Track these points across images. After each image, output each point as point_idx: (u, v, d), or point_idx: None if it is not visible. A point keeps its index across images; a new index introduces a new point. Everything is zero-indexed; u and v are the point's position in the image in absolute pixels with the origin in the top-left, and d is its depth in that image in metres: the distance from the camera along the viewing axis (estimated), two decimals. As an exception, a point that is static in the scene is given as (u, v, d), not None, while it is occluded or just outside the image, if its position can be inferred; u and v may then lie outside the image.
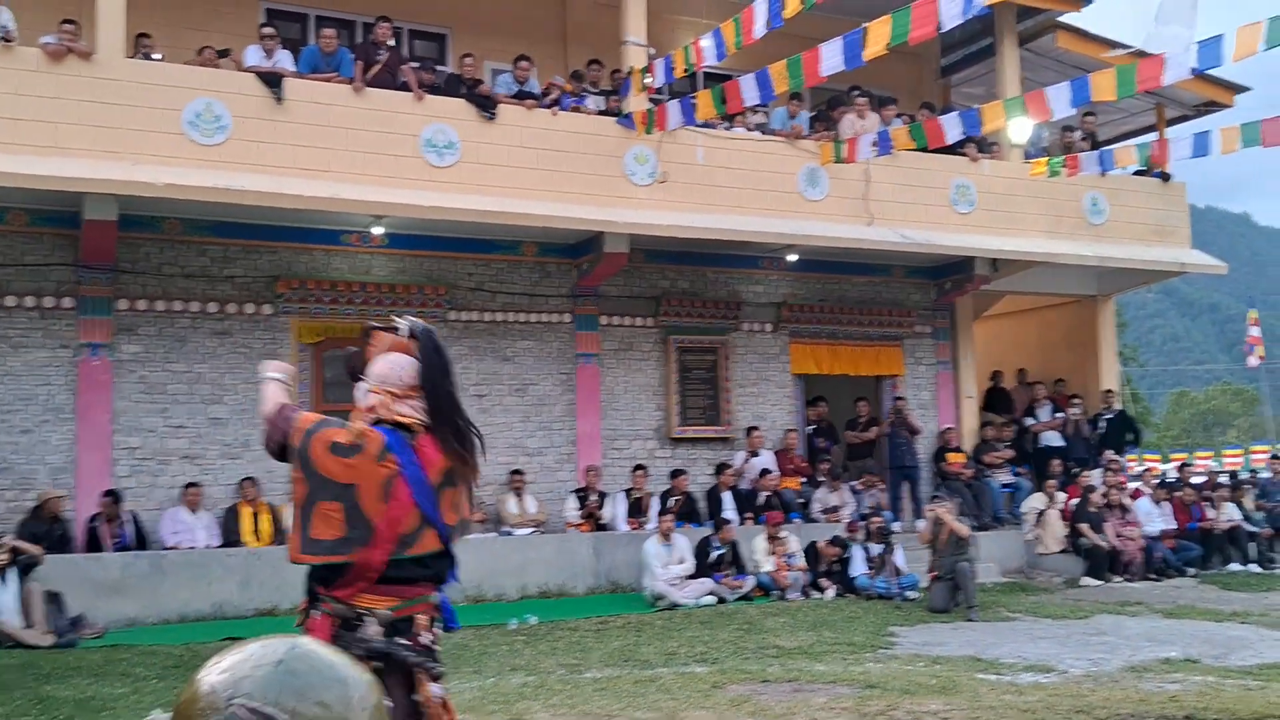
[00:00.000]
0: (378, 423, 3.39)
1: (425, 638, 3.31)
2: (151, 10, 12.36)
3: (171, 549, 11.27)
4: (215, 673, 1.27)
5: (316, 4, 13.86)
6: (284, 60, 11.90)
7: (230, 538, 11.55)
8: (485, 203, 12.11)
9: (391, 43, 12.55)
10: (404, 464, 3.31)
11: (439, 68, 13.57)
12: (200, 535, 11.50)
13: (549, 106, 12.87)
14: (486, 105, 12.35)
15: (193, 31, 12.77)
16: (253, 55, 11.81)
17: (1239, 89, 17.22)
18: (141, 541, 11.26)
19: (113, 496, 11.14)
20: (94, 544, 10.99)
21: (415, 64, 12.83)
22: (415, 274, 13.16)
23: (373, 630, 3.26)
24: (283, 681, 1.25)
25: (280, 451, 3.41)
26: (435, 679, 3.30)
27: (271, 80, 11.40)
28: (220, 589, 11.01)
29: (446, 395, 3.45)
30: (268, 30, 11.95)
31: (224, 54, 11.97)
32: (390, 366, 3.48)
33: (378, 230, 12.49)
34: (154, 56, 11.76)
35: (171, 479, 11.88)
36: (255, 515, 11.72)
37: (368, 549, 3.26)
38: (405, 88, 12.17)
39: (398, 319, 3.56)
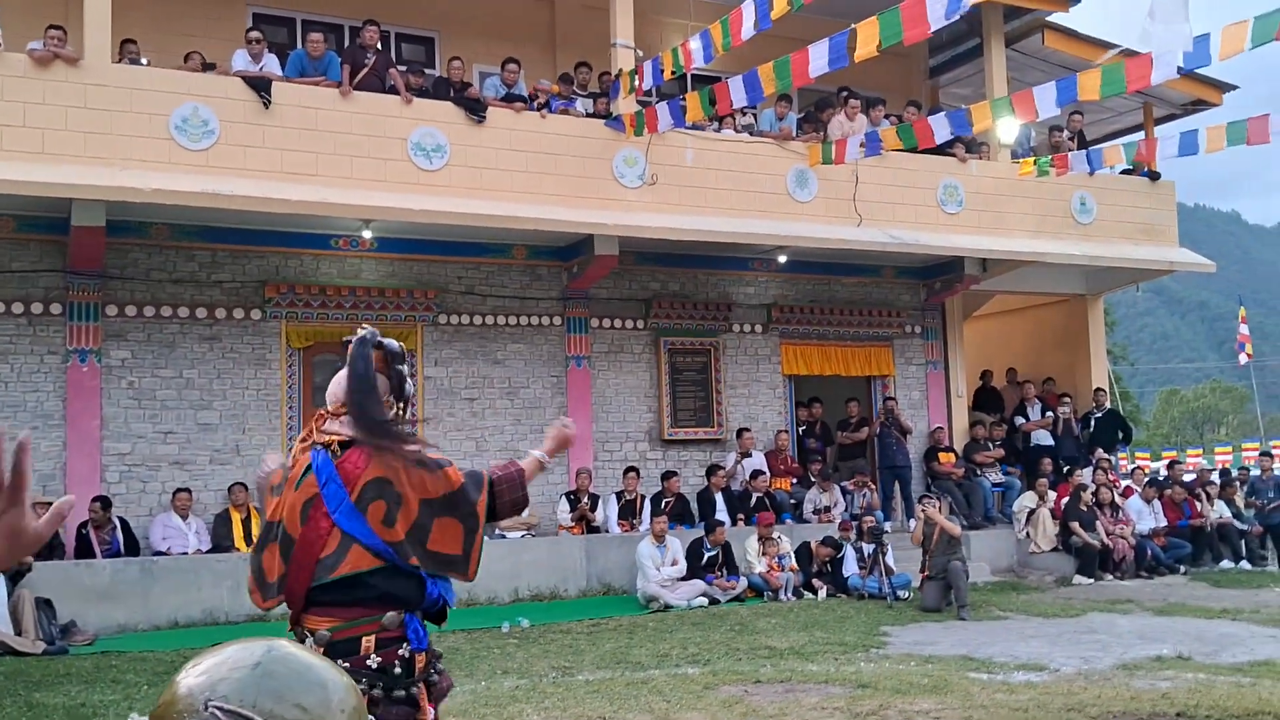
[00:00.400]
0: (315, 445, 3.35)
1: (374, 660, 3.20)
2: (138, 16, 12.33)
3: (162, 554, 11.23)
4: (192, 675, 1.27)
5: (303, 8, 13.85)
6: (271, 64, 11.89)
7: (221, 543, 11.53)
8: (474, 206, 12.11)
9: (379, 46, 12.54)
10: (322, 483, 3.25)
11: (427, 71, 13.55)
12: (191, 540, 11.47)
13: (538, 109, 12.87)
14: (475, 108, 12.35)
15: (179, 36, 12.76)
16: (240, 60, 11.79)
17: (1227, 87, 17.27)
18: (131, 547, 11.23)
19: (102, 503, 11.10)
20: (84, 550, 10.95)
21: (403, 67, 12.82)
22: (405, 278, 13.14)
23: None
24: (260, 684, 1.24)
25: None
26: (387, 703, 3.19)
27: (259, 85, 11.38)
28: (211, 595, 10.99)
29: (356, 406, 3.32)
30: (254, 35, 11.94)
31: (210, 67, 11.92)
32: (334, 383, 3.44)
33: (366, 234, 12.47)
34: (141, 61, 11.73)
35: (161, 485, 11.85)
36: (246, 521, 11.70)
37: (289, 578, 3.25)
38: (393, 91, 12.16)
39: (361, 329, 3.46)
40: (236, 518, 11.68)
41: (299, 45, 12.85)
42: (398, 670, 3.21)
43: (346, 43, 13.35)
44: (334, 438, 3.31)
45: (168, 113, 11.02)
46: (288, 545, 3.26)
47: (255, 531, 11.58)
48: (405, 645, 3.24)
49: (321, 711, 1.23)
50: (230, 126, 11.23)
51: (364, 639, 3.20)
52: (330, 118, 11.66)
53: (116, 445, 11.75)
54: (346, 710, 1.26)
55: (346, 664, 3.10)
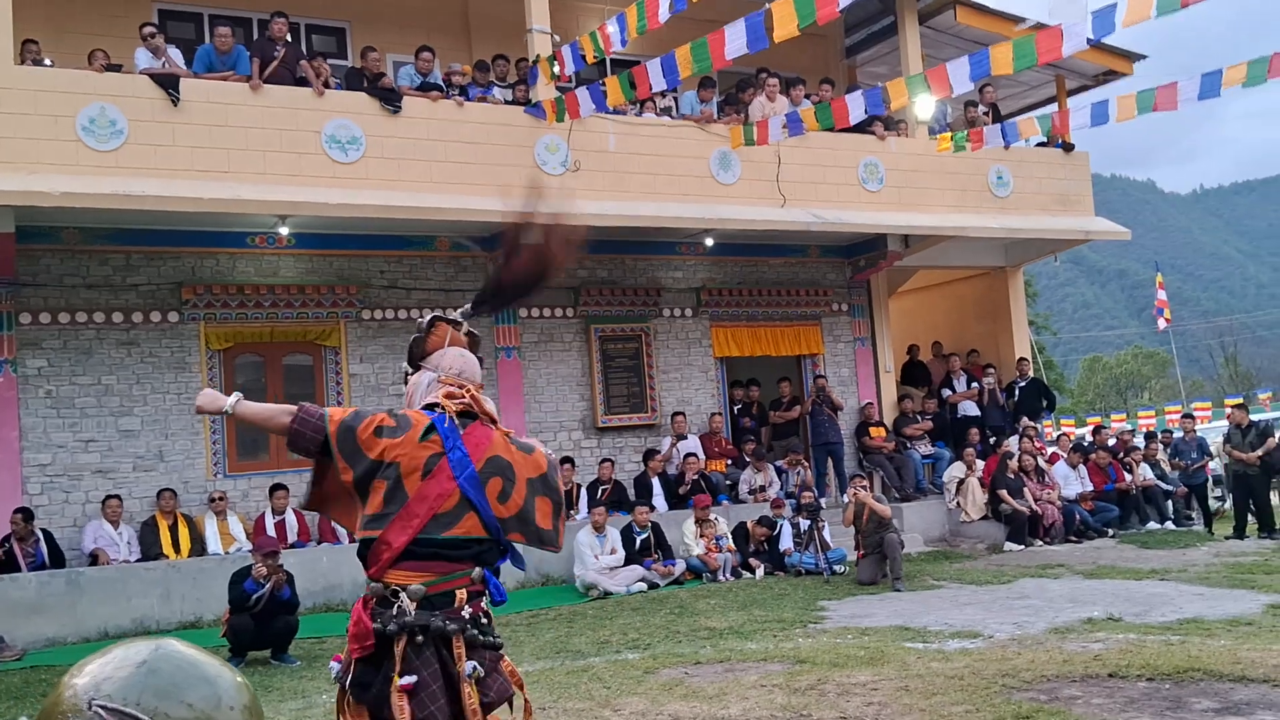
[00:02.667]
0: (429, 407, 3.57)
1: (467, 610, 3.38)
2: (38, 15, 11.99)
3: (93, 560, 10.98)
4: (79, 675, 1.22)
5: (210, 3, 13.52)
6: (174, 58, 11.59)
7: (149, 551, 11.29)
8: (393, 198, 11.94)
9: (289, 38, 12.29)
10: (449, 446, 3.46)
11: (339, 61, 13.33)
12: (123, 549, 11.24)
13: (454, 96, 12.72)
14: (390, 98, 12.16)
15: (83, 36, 12.42)
16: (142, 58, 11.46)
17: (1136, 57, 17.59)
18: (56, 559, 10.95)
19: (25, 515, 10.81)
20: (8, 564, 10.66)
21: (316, 57, 12.56)
22: (325, 274, 12.94)
23: (407, 605, 3.34)
24: (145, 682, 1.20)
25: (318, 450, 3.49)
26: (479, 648, 3.38)
27: (167, 82, 11.10)
28: (140, 604, 10.77)
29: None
30: (148, 30, 11.52)
31: (116, 67, 11.59)
32: (464, 360, 3.72)
33: (283, 230, 12.25)
34: (45, 62, 11.39)
35: (85, 495, 11.59)
36: (173, 527, 11.47)
37: (396, 524, 3.39)
38: (305, 83, 11.94)
39: (456, 313, 3.80)
40: (164, 524, 11.45)
41: (207, 40, 12.56)
42: (484, 620, 3.43)
43: (255, 36, 13.07)
44: (473, 407, 3.57)
45: (74, 114, 10.72)
46: (395, 490, 3.42)
47: (184, 538, 11.37)
48: (487, 598, 3.48)
49: (209, 708, 1.19)
50: (139, 126, 10.95)
51: (458, 591, 3.39)
52: (241, 113, 11.42)
53: (36, 456, 11.46)
54: (236, 707, 1.21)
55: (439, 614, 3.33)
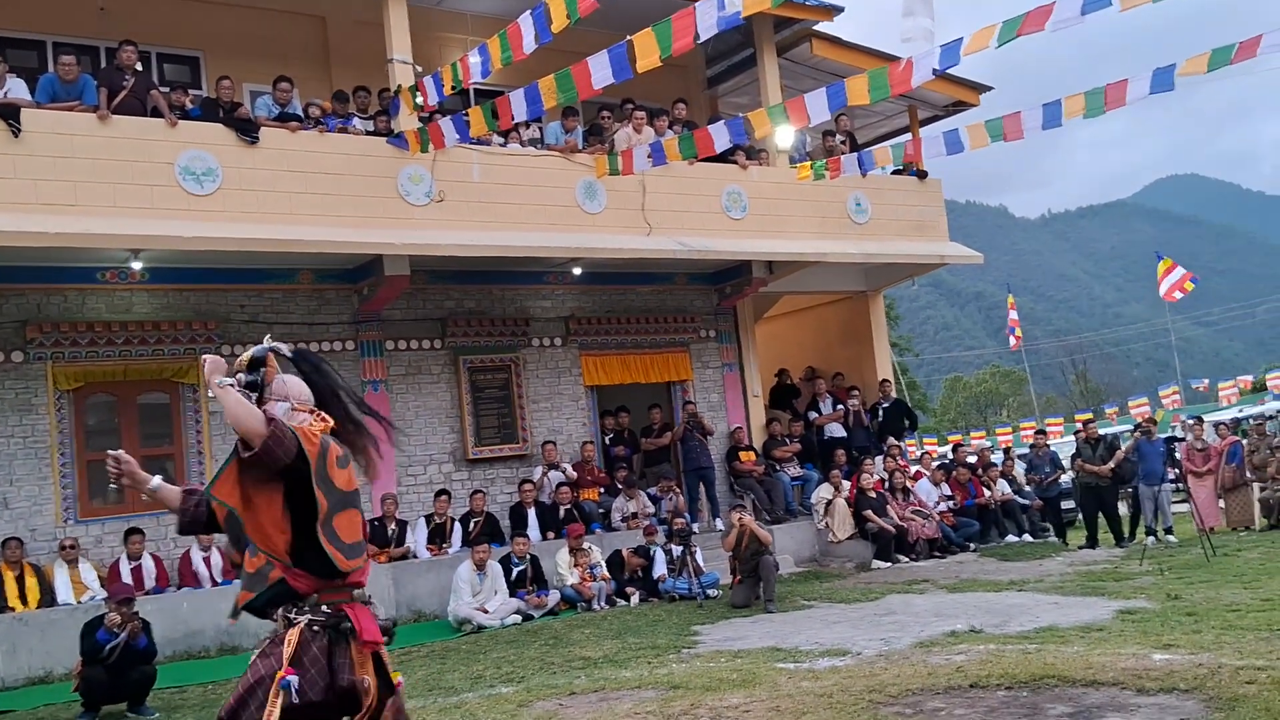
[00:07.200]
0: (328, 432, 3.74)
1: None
2: None
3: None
4: None
5: (53, 30, 13.03)
6: (19, 90, 11.13)
7: (-7, 605, 10.72)
8: (252, 230, 11.63)
9: (138, 67, 11.91)
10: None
11: (194, 91, 12.97)
12: (-43, 604, 10.63)
13: (313, 127, 12.49)
14: (246, 129, 11.88)
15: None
16: (-15, 87, 11.01)
17: (983, 89, 18.32)
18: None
19: None
20: None
21: (166, 89, 12.20)
22: (182, 309, 12.53)
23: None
24: None
25: (278, 467, 3.52)
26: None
27: (7, 112, 10.64)
28: (-17, 660, 10.21)
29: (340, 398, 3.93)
30: (-5, 60, 11.13)
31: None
32: (300, 384, 3.83)
33: (136, 265, 11.85)
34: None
35: (-77, 547, 10.94)
36: (20, 578, 10.91)
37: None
38: (157, 114, 11.58)
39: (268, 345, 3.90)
40: (9, 575, 10.87)
41: (50, 69, 12.09)
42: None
43: (102, 64, 12.64)
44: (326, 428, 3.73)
45: (-94, 147, 10.20)
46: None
47: (31, 589, 10.83)
48: None
49: None
50: (-23, 158, 10.47)
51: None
52: (88, 144, 11.00)
53: None
54: None
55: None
